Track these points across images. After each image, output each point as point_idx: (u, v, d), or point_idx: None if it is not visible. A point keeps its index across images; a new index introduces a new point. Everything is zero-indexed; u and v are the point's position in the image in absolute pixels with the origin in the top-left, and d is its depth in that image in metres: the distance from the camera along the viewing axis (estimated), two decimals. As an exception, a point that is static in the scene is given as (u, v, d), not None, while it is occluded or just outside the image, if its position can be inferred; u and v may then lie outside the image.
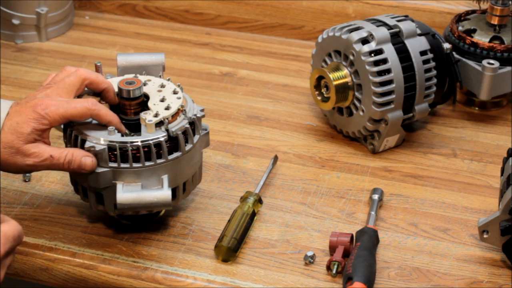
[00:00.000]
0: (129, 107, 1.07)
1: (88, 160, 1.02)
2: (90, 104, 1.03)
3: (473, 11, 1.42)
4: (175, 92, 1.09)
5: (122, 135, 1.05)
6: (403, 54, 1.24)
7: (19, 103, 1.04)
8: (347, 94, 1.26)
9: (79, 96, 1.08)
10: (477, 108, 1.41)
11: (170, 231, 1.14)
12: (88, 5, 1.69)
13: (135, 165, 1.04)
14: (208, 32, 1.63)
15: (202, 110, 1.10)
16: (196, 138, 1.09)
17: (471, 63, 1.34)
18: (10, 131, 1.01)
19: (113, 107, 1.08)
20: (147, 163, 1.04)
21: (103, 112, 1.04)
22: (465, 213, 1.18)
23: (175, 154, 1.06)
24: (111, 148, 1.03)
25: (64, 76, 1.07)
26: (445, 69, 1.32)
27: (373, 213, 1.15)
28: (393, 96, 1.23)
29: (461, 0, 1.53)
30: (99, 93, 1.08)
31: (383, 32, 1.24)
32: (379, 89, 1.22)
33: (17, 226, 0.90)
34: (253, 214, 1.14)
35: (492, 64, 1.32)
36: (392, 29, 1.26)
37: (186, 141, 1.07)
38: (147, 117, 1.05)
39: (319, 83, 1.28)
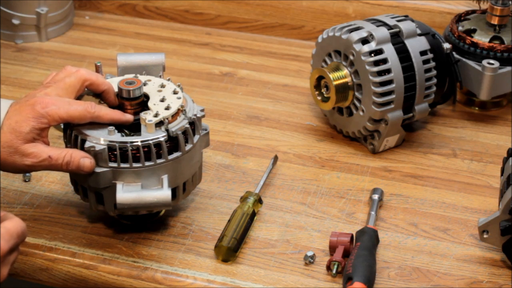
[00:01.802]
0: (129, 107, 1.07)
1: (86, 161, 1.02)
2: (90, 107, 1.03)
3: (473, 11, 1.42)
4: (175, 92, 1.09)
5: (122, 135, 1.05)
6: (403, 54, 1.24)
7: (18, 102, 1.04)
8: (347, 94, 1.26)
9: (79, 97, 1.08)
10: (477, 108, 1.41)
11: (170, 231, 1.14)
12: (88, 5, 1.69)
13: (135, 165, 1.04)
14: (208, 32, 1.63)
15: (202, 110, 1.10)
16: (196, 138, 1.09)
17: (471, 63, 1.34)
18: (9, 130, 1.01)
19: (113, 108, 1.08)
20: (147, 163, 1.04)
21: (103, 112, 1.04)
22: (465, 213, 1.18)
23: (175, 154, 1.06)
24: (111, 148, 1.03)
25: (65, 76, 1.07)
26: (445, 69, 1.32)
27: (373, 213, 1.15)
28: (393, 96, 1.23)
29: (461, 0, 1.53)
30: (99, 94, 1.08)
31: (383, 32, 1.24)
32: (379, 89, 1.22)
33: (20, 223, 0.90)
34: (253, 214, 1.14)
35: (492, 64, 1.32)
36: (392, 29, 1.26)
37: (186, 141, 1.07)
38: (147, 117, 1.05)
39: (319, 83, 1.28)
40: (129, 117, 1.06)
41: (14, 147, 1.01)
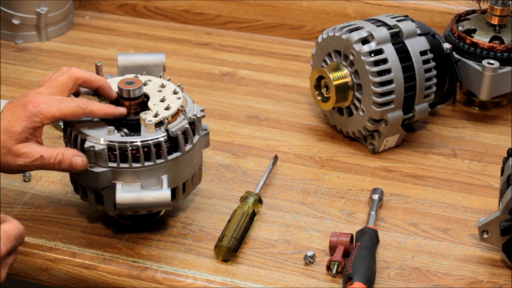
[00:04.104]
0: (129, 107, 1.07)
1: (78, 159, 1.02)
2: (82, 102, 1.03)
3: (473, 11, 1.42)
4: (175, 92, 1.09)
5: (122, 135, 1.05)
6: (403, 54, 1.24)
7: (12, 102, 1.04)
8: (347, 94, 1.26)
9: (76, 95, 1.08)
10: (477, 108, 1.41)
11: (170, 231, 1.14)
12: (88, 5, 1.69)
13: (134, 165, 1.04)
14: (208, 32, 1.63)
15: (202, 110, 1.10)
16: (196, 138, 1.09)
17: (471, 63, 1.34)
18: (2, 131, 1.01)
19: (113, 104, 1.07)
20: (146, 163, 1.04)
21: (95, 107, 1.04)
22: (465, 213, 1.18)
23: (175, 154, 1.06)
24: (110, 148, 1.03)
25: (57, 75, 1.07)
26: (445, 69, 1.32)
27: (373, 213, 1.15)
28: (393, 96, 1.23)
29: (461, 0, 1.53)
30: (96, 92, 1.08)
31: (383, 32, 1.24)
32: (379, 89, 1.22)
33: (18, 225, 0.90)
34: (253, 214, 1.14)
35: (492, 64, 1.32)
36: (392, 29, 1.26)
37: (186, 142, 1.07)
38: (147, 117, 1.05)
39: (319, 83, 1.28)
40: (122, 110, 1.05)
41: (6, 147, 1.01)
